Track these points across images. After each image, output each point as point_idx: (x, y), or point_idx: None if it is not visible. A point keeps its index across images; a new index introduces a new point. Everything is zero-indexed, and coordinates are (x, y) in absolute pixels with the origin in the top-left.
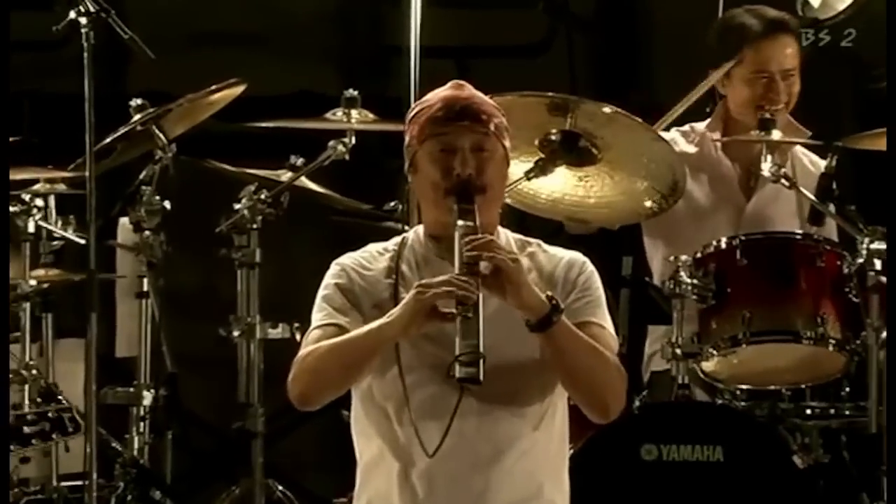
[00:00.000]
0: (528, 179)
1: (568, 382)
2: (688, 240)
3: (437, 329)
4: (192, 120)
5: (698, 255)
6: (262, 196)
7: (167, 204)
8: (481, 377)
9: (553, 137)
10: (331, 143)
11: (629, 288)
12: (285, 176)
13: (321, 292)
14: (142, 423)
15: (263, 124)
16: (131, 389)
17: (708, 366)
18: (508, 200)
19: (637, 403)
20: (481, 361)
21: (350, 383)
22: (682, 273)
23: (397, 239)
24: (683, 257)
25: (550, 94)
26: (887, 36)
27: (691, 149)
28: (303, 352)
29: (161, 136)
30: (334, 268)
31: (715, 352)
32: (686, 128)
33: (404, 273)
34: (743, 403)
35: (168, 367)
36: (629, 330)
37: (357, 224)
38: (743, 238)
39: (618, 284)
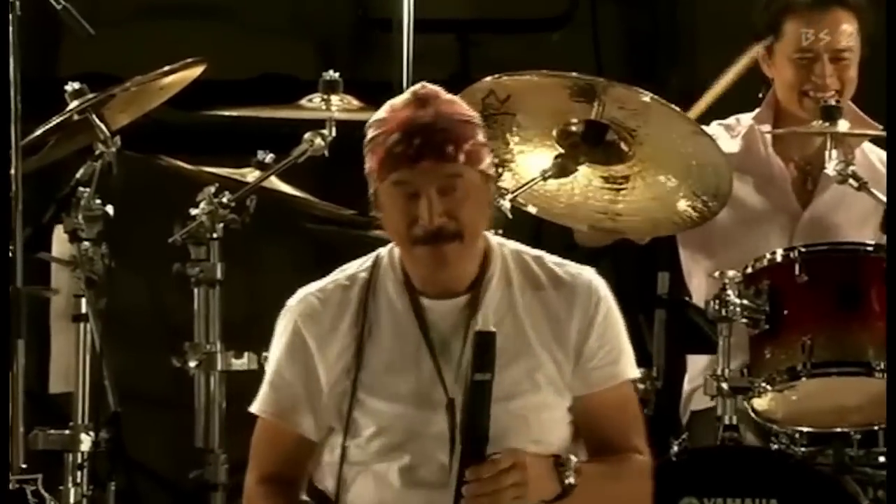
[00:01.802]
0: (545, 179)
1: None
2: (733, 253)
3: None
4: (139, 108)
5: (749, 270)
6: (225, 200)
7: (110, 209)
8: None
9: (575, 129)
10: (306, 135)
11: (666, 309)
12: (252, 175)
13: (271, 352)
14: (79, 473)
15: (226, 113)
16: (67, 432)
17: (760, 403)
18: (521, 201)
19: (675, 449)
20: None
21: None
22: (730, 292)
23: (368, 261)
24: (731, 273)
25: (573, 74)
26: (887, 36)
27: (735, 146)
28: (247, 484)
29: (102, 126)
30: (285, 318)
31: (769, 386)
32: (730, 120)
33: (371, 323)
34: (802, 449)
35: (111, 405)
36: (665, 360)
37: (338, 234)
38: (803, 250)
39: (652, 305)
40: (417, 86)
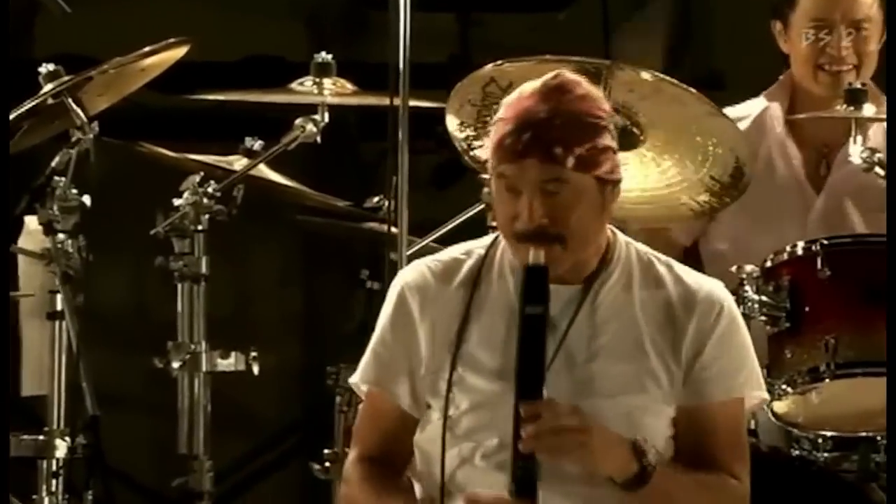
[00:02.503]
0: None
1: None
2: (748, 245)
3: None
4: (119, 91)
5: (768, 264)
6: (210, 189)
7: (87, 199)
8: None
9: None
10: (297, 121)
11: None
12: (239, 163)
13: (379, 321)
14: (54, 481)
15: (211, 97)
16: (41, 438)
17: (781, 406)
18: None
19: None
20: None
21: None
22: (747, 287)
23: (489, 238)
24: (749, 268)
25: (578, 58)
26: (887, 35)
27: (743, 127)
28: (347, 464)
29: (79, 111)
30: (396, 284)
31: (790, 388)
32: (740, 106)
33: (481, 298)
34: (826, 455)
35: (89, 408)
36: None
37: (331, 226)
38: (825, 242)
39: None
40: (552, 73)
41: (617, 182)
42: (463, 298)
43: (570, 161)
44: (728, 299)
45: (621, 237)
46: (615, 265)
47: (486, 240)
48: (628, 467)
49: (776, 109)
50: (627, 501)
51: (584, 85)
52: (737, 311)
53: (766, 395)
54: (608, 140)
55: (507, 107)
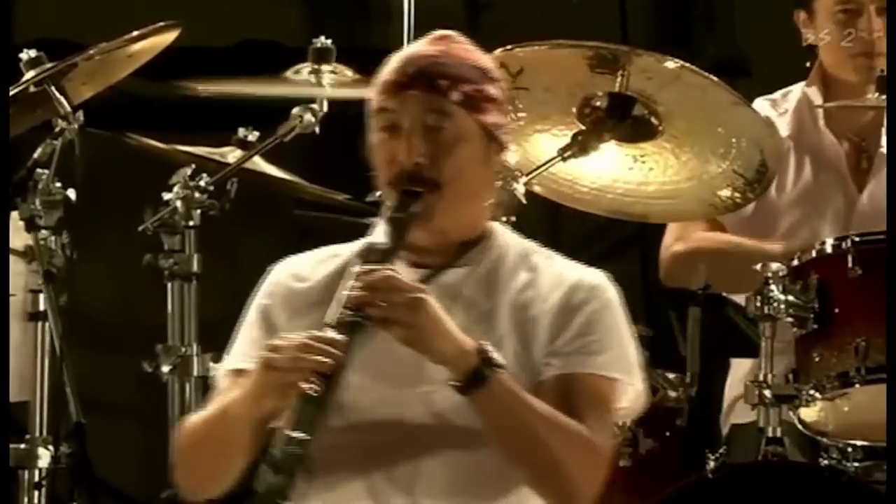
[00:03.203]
0: (565, 160)
1: (508, 462)
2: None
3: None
4: (105, 79)
5: (795, 262)
6: (202, 183)
7: (72, 193)
8: (288, 495)
9: (598, 103)
10: (294, 110)
11: (700, 307)
12: (233, 155)
13: (248, 313)
14: (37, 492)
15: (203, 86)
16: (23, 446)
17: (808, 414)
18: (538, 189)
19: (712, 465)
20: (298, 469)
21: (232, 471)
22: (773, 287)
23: (356, 244)
24: (775, 266)
25: (594, 43)
26: (887, 36)
27: (785, 125)
28: (182, 428)
29: (63, 100)
30: (266, 279)
31: (817, 394)
32: (776, 95)
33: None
34: (856, 465)
35: (73, 415)
36: (701, 364)
37: (329, 221)
38: (856, 239)
39: (685, 302)
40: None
41: (504, 146)
42: (325, 300)
43: (455, 95)
44: (609, 289)
45: (502, 231)
46: (483, 255)
47: (354, 244)
48: (467, 358)
49: (816, 98)
50: (469, 408)
51: (474, 46)
52: (617, 301)
53: (641, 388)
54: (497, 93)
55: (386, 63)
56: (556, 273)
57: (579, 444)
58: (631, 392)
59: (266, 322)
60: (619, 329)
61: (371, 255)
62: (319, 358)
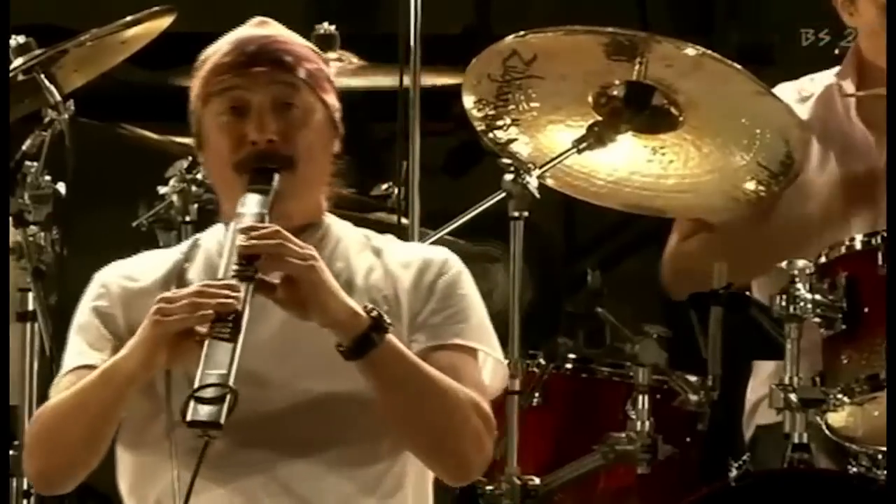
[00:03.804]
0: (580, 152)
1: (400, 430)
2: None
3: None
4: (97, 67)
5: (822, 259)
6: (199, 176)
7: (62, 187)
8: (222, 419)
9: (615, 92)
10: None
11: (723, 306)
12: None
13: (75, 319)
14: (25, 501)
15: None
16: (11, 453)
17: (836, 419)
18: (551, 182)
19: (734, 472)
20: (228, 398)
21: (98, 450)
22: (800, 285)
23: (187, 242)
24: (801, 263)
25: (611, 29)
26: (887, 36)
27: (806, 111)
28: (36, 413)
29: (53, 89)
30: (93, 284)
31: (846, 398)
32: (804, 81)
33: (189, 280)
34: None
35: None
36: (723, 367)
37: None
38: (886, 235)
39: (706, 301)
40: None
41: (339, 133)
42: (164, 286)
43: (302, 71)
44: (453, 259)
45: (334, 218)
46: (324, 240)
47: (186, 243)
48: (359, 320)
49: (849, 88)
50: (358, 373)
51: None
52: (468, 273)
53: (502, 358)
54: (329, 73)
55: (210, 50)
56: (401, 253)
57: (470, 408)
58: (492, 363)
59: (104, 322)
60: (475, 300)
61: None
62: (219, 299)
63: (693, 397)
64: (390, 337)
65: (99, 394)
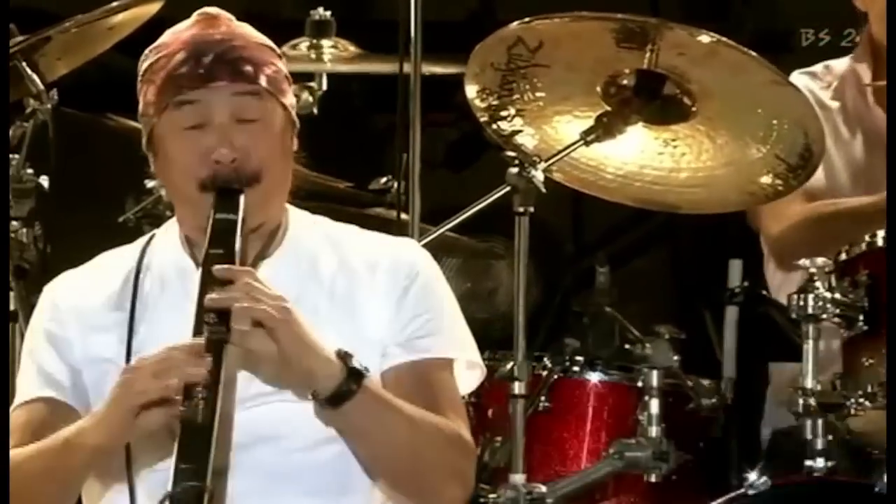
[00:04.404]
0: (588, 144)
1: (374, 472)
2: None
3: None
4: (83, 54)
5: (842, 257)
6: None
7: (45, 181)
8: None
9: (625, 81)
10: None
11: (738, 306)
12: None
13: (26, 341)
14: None
15: None
16: None
17: (858, 424)
18: (558, 176)
19: (751, 480)
20: (204, 500)
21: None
22: (819, 284)
23: (141, 241)
24: (820, 261)
25: (620, 15)
26: (887, 36)
27: (829, 99)
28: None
29: (35, 78)
30: (43, 300)
31: (868, 403)
32: (817, 67)
33: (146, 294)
34: None
35: None
36: (738, 369)
37: (328, 211)
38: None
39: (721, 301)
40: (201, 9)
41: (296, 127)
42: (122, 316)
43: (263, 79)
44: (422, 254)
45: (292, 210)
46: (289, 242)
47: (138, 243)
48: (333, 371)
49: (865, 75)
50: (334, 425)
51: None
52: (438, 271)
53: (476, 359)
54: (285, 69)
55: (161, 45)
56: (365, 251)
57: (451, 444)
58: (464, 366)
59: (58, 349)
60: (447, 303)
61: (210, 262)
62: (188, 369)
63: (706, 402)
64: (367, 382)
65: (64, 463)
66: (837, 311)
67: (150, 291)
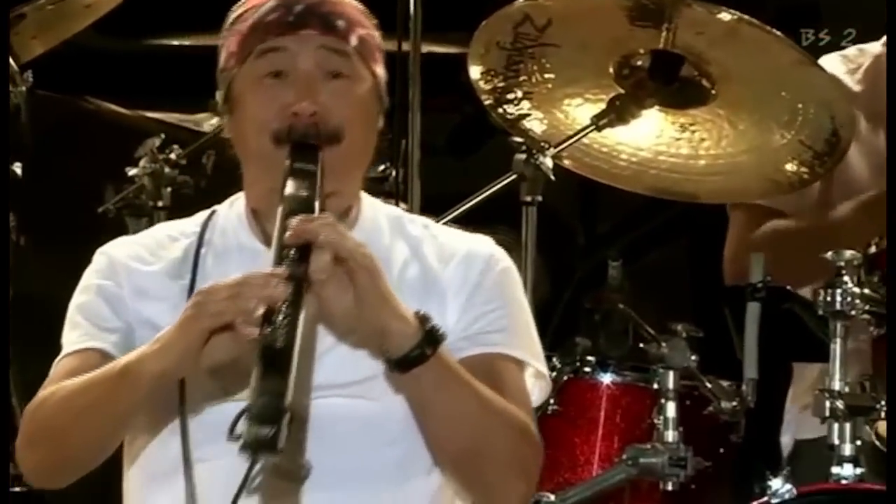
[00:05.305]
0: (600, 129)
1: (438, 450)
2: (853, 226)
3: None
4: (59, 33)
5: (872, 249)
6: (173, 155)
7: (18, 168)
8: (280, 443)
9: (639, 62)
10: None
11: (760, 302)
12: (209, 123)
13: (76, 298)
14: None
15: (175, 42)
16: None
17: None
18: (568, 163)
19: (775, 488)
20: (285, 418)
21: (108, 450)
22: (846, 278)
23: (202, 216)
24: (848, 254)
25: None
26: (887, 36)
27: (855, 83)
28: (38, 397)
29: (8, 58)
30: (98, 260)
31: None
32: (850, 50)
33: (207, 269)
34: None
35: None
36: (760, 370)
37: None
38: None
39: (742, 296)
40: None
41: (386, 108)
42: (183, 285)
43: (354, 38)
44: (501, 253)
45: (366, 197)
46: (361, 226)
47: (199, 217)
48: (410, 331)
49: None
50: (402, 391)
51: None
52: (514, 269)
53: (545, 371)
54: (382, 45)
55: (248, 3)
56: (440, 244)
57: (520, 435)
58: (532, 376)
59: (112, 304)
60: (521, 302)
61: (294, 206)
62: (267, 290)
63: (726, 404)
64: (442, 350)
65: (117, 393)
66: (867, 306)
67: (211, 268)
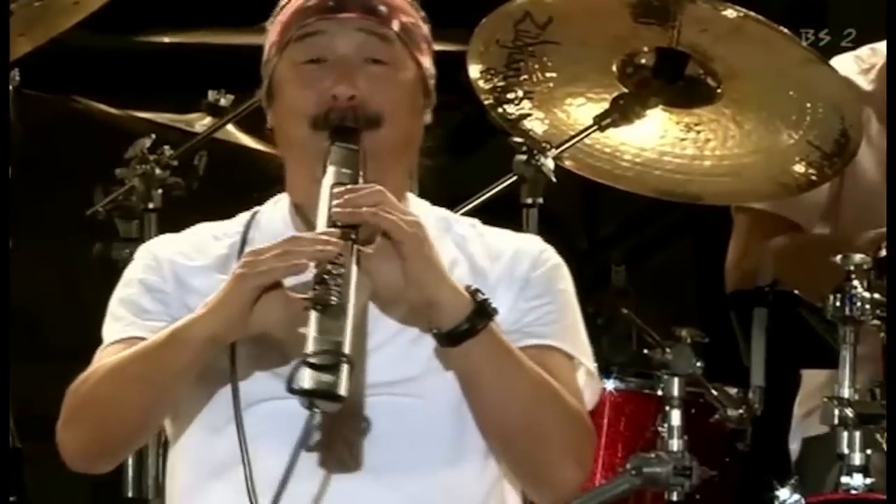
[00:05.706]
0: (602, 129)
1: (489, 430)
2: (862, 228)
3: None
4: (47, 30)
5: (882, 253)
6: (164, 156)
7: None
8: (342, 390)
9: (643, 60)
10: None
11: (768, 307)
12: (201, 123)
13: (117, 293)
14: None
15: (167, 39)
16: None
17: None
18: (570, 164)
19: (782, 497)
20: (345, 367)
21: (150, 426)
22: (856, 283)
23: (244, 217)
24: (857, 258)
25: None
26: (887, 36)
27: (867, 83)
28: (81, 376)
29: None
30: (141, 256)
31: None
32: (862, 50)
33: None
34: None
35: (10, 437)
36: (767, 377)
37: None
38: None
39: (749, 301)
40: None
41: (432, 101)
42: (225, 279)
43: (396, 24)
44: (551, 250)
45: (413, 197)
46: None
47: (242, 218)
48: (461, 299)
49: None
50: (451, 366)
51: None
52: (565, 267)
53: (594, 372)
54: (429, 35)
55: None
56: (488, 243)
57: (575, 420)
58: (583, 375)
59: (155, 297)
60: (572, 300)
61: (339, 179)
62: (317, 247)
63: (733, 412)
64: (493, 325)
65: (167, 358)
66: (877, 312)
67: None
